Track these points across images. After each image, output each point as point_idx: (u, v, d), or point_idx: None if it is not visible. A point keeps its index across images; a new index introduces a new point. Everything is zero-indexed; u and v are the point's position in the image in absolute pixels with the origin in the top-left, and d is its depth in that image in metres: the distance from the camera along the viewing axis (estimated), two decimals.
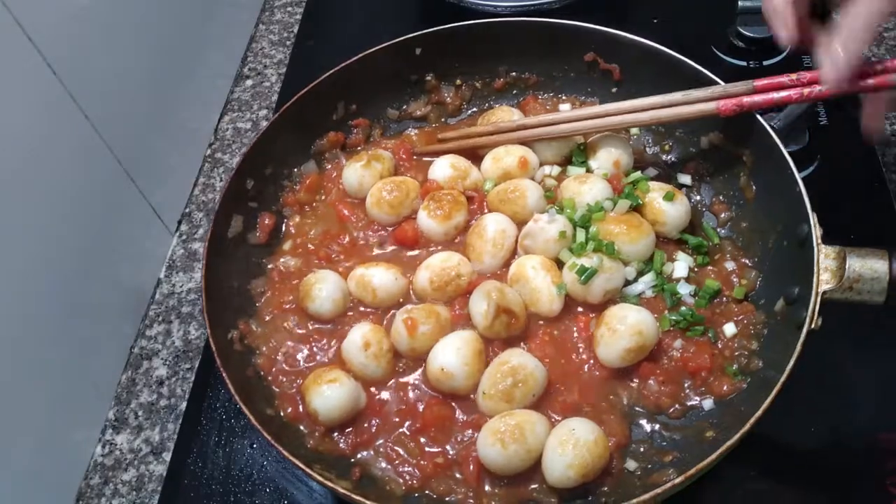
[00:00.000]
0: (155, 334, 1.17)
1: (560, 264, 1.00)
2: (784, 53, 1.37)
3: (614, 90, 1.19)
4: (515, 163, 1.09)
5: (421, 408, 0.94)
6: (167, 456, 1.04)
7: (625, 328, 0.90)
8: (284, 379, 0.98)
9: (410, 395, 0.95)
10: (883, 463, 0.94)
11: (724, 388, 0.91)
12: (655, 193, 1.03)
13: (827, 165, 1.21)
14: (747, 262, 1.02)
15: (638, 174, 1.08)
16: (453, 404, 0.94)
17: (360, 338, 0.94)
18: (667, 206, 1.02)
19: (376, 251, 1.09)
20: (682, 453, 0.88)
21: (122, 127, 1.10)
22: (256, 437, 1.04)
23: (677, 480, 0.77)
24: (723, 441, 0.77)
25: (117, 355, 1.14)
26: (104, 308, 1.10)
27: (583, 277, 0.95)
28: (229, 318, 0.99)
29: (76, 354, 1.03)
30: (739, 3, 1.36)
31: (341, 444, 0.92)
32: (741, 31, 1.38)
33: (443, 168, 1.11)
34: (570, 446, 0.83)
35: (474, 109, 1.25)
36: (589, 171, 1.10)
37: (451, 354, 0.91)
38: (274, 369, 0.98)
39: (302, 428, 0.93)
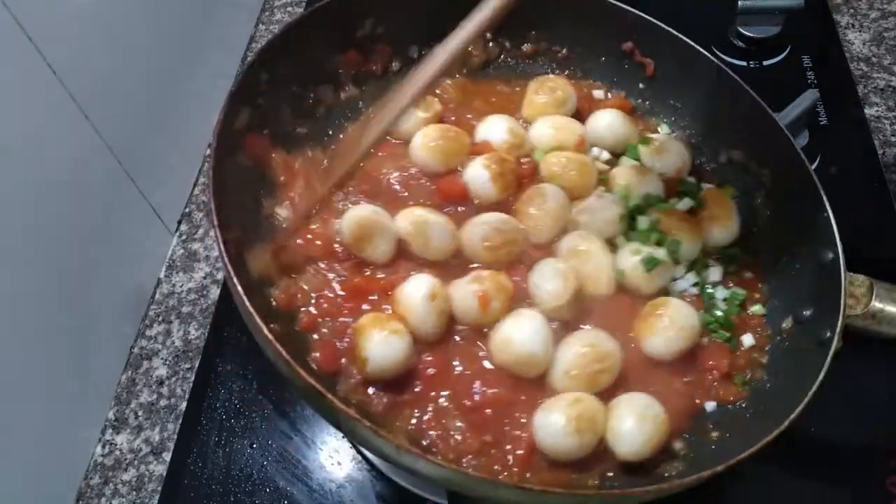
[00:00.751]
0: (155, 334, 1.17)
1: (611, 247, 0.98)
2: (784, 53, 1.37)
3: (641, 86, 1.16)
4: (573, 140, 1.05)
5: (479, 386, 0.86)
6: (167, 456, 1.04)
7: (688, 329, 0.89)
8: (321, 325, 0.89)
9: (461, 366, 0.88)
10: (883, 463, 0.94)
11: (730, 396, 0.91)
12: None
13: (827, 165, 1.21)
14: (755, 275, 1.01)
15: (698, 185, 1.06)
16: (518, 388, 0.87)
17: (427, 287, 0.87)
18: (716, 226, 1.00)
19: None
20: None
21: (122, 127, 1.10)
22: (256, 437, 1.04)
23: (709, 474, 0.75)
24: (732, 447, 0.78)
25: (117, 355, 1.14)
26: (104, 308, 1.10)
27: (649, 266, 0.93)
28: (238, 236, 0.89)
29: (76, 354, 1.03)
30: (739, 3, 1.36)
31: (374, 403, 0.84)
32: (741, 31, 1.38)
33: (500, 131, 1.04)
34: (649, 422, 0.82)
35: (495, 70, 1.19)
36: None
37: (536, 339, 0.85)
38: (311, 322, 0.89)
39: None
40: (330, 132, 1.11)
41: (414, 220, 0.93)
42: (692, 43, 1.07)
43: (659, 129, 1.15)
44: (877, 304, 0.84)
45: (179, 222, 1.30)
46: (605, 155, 1.09)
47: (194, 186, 1.34)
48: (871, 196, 1.19)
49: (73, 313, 1.02)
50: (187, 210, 1.31)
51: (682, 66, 1.09)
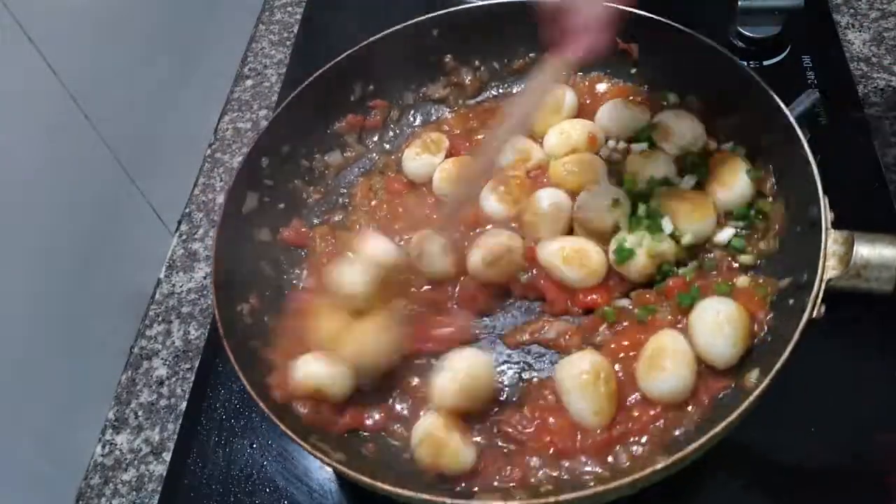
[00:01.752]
0: (155, 334, 1.17)
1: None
2: (784, 53, 1.37)
3: (633, 71, 1.18)
4: (584, 139, 1.07)
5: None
6: (167, 456, 1.04)
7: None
8: None
9: None
10: (883, 463, 0.94)
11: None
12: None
13: (827, 165, 1.21)
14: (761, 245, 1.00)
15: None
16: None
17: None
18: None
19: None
20: None
21: (122, 127, 1.10)
22: (256, 437, 1.04)
23: (658, 466, 0.74)
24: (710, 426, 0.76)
25: (117, 355, 1.14)
26: (104, 308, 1.10)
27: (619, 258, 0.94)
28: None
29: (76, 354, 1.03)
30: (739, 3, 1.35)
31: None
32: (741, 31, 1.38)
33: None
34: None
35: (493, 93, 1.24)
36: (653, 146, 1.08)
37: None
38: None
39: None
40: (343, 190, 1.17)
41: (418, 239, 1.00)
42: (662, 19, 1.09)
43: (667, 101, 1.15)
44: (859, 261, 0.78)
45: (179, 222, 1.30)
46: (622, 144, 1.10)
47: (194, 186, 1.34)
48: (871, 196, 1.19)
49: (73, 313, 1.02)
50: (187, 210, 1.31)
51: (660, 44, 1.11)
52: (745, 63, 1.36)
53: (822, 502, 0.94)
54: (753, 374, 0.84)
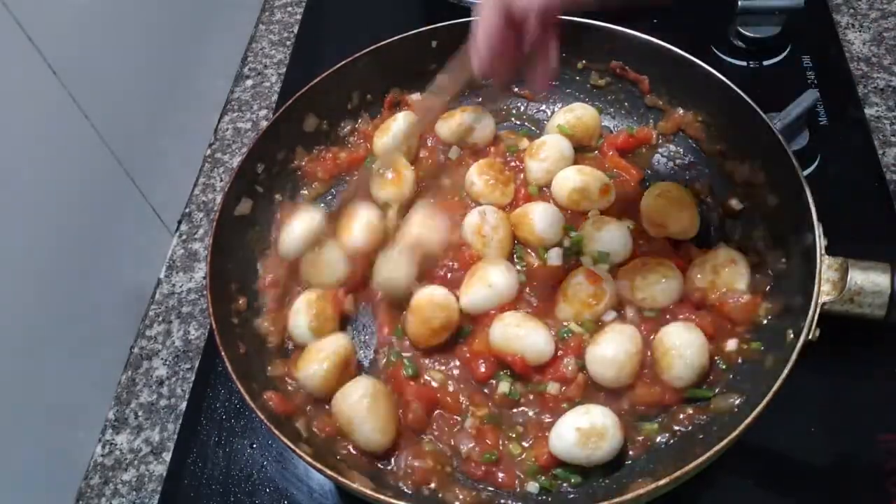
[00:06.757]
0: (155, 334, 1.17)
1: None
2: (784, 54, 1.37)
3: (645, 99, 1.19)
4: (598, 187, 1.06)
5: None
6: (167, 456, 1.04)
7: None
8: None
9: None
10: (883, 463, 0.94)
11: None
12: None
13: (827, 165, 1.21)
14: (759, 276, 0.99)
15: None
16: None
17: None
18: None
19: None
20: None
21: (122, 127, 1.10)
22: (256, 437, 1.04)
23: (661, 482, 0.76)
24: (708, 445, 0.78)
25: (117, 355, 1.14)
26: (104, 308, 1.10)
27: None
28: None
29: (76, 354, 1.03)
30: (739, 3, 1.35)
31: None
32: (741, 31, 1.38)
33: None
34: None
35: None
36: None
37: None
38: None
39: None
40: (333, 191, 1.19)
41: None
42: (680, 50, 1.09)
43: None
44: (852, 287, 0.82)
45: (179, 222, 1.30)
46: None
47: (194, 186, 1.34)
48: (871, 196, 1.19)
49: (73, 313, 1.02)
50: (187, 210, 1.31)
51: (675, 75, 1.11)
52: (746, 63, 1.37)
53: (822, 502, 0.95)
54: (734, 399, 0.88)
